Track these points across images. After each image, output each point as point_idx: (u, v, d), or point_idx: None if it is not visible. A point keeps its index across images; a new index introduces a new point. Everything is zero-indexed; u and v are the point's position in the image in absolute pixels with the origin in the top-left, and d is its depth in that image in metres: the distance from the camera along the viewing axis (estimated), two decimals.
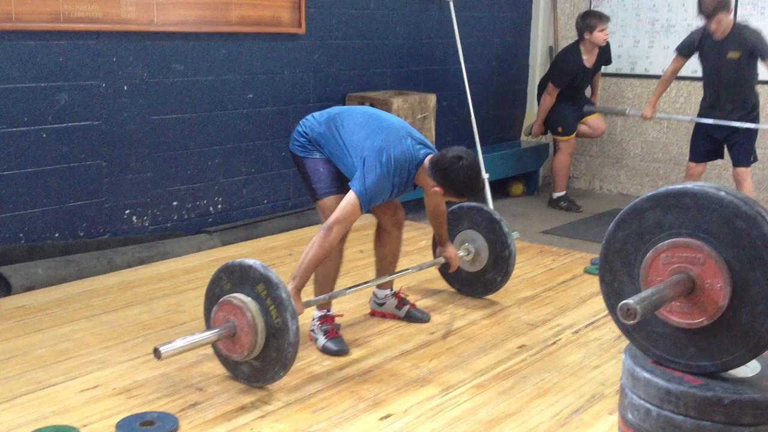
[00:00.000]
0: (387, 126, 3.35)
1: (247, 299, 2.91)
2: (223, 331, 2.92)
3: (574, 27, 6.35)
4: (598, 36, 6.16)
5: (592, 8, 6.85)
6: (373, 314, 3.79)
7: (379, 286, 3.76)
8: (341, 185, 3.36)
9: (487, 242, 3.95)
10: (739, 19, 6.30)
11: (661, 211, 2.23)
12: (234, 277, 2.99)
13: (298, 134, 3.48)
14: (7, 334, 3.48)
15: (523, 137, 7.11)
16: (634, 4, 6.63)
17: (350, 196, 3.19)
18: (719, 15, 5.06)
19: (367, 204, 3.22)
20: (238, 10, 4.95)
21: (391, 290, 3.76)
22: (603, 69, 6.59)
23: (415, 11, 6.16)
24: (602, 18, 6.18)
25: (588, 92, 6.62)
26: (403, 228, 3.68)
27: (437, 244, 3.87)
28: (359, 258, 4.53)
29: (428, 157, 3.31)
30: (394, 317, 3.75)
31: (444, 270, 4.06)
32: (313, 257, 3.16)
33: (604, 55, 6.39)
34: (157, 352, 2.75)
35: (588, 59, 6.26)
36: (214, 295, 3.05)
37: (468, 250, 3.97)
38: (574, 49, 6.32)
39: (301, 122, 3.52)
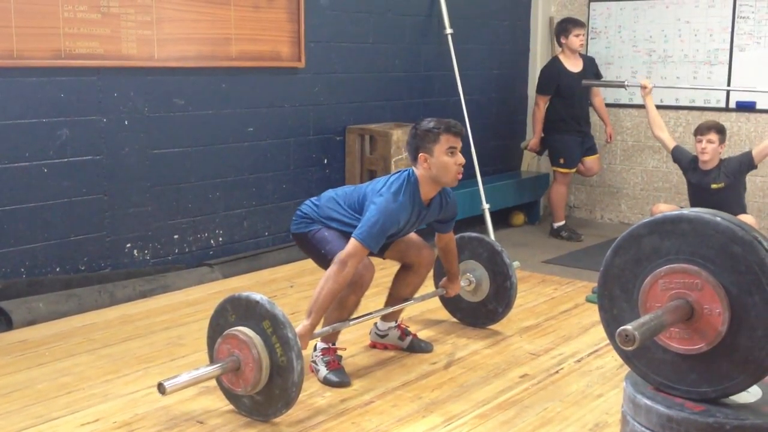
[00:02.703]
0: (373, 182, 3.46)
1: (253, 334, 2.89)
2: (227, 365, 2.91)
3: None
4: (573, 40, 6.27)
5: (589, 39, 6.92)
6: (374, 346, 3.78)
7: (383, 319, 3.75)
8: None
9: (488, 273, 3.96)
10: (736, 48, 6.36)
11: (658, 237, 2.24)
12: (240, 310, 2.98)
13: (297, 216, 3.53)
14: (8, 368, 3.47)
15: (522, 146, 7.10)
16: (630, 36, 6.68)
17: (352, 242, 3.21)
18: (709, 135, 5.03)
19: (373, 237, 3.20)
20: (238, 45, 5.00)
21: (395, 322, 3.76)
22: (602, 95, 6.64)
23: (414, 44, 6.21)
24: (577, 23, 6.31)
25: (588, 117, 6.64)
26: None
27: (442, 275, 3.88)
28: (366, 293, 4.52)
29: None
30: (396, 348, 3.74)
31: (446, 300, 4.06)
32: (328, 292, 3.15)
33: (589, 65, 6.46)
34: (161, 387, 2.74)
35: (570, 64, 6.33)
36: (218, 325, 3.05)
37: (469, 280, 3.97)
38: (553, 59, 6.50)
39: (297, 210, 3.57)
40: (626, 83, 6.22)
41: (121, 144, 4.56)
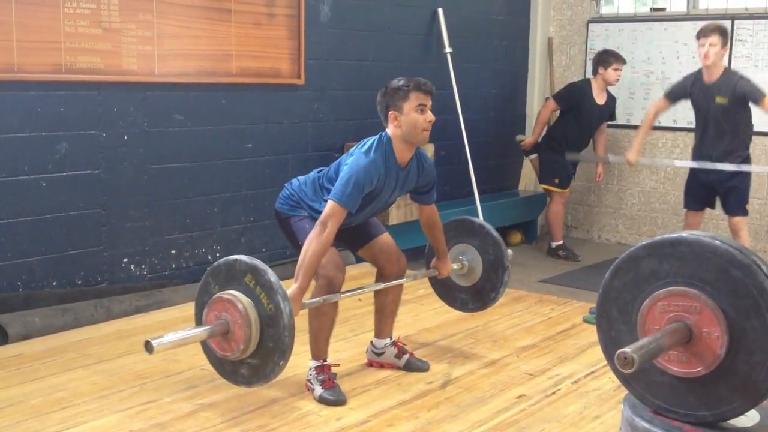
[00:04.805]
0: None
1: (236, 292, 2.89)
2: (216, 328, 2.88)
3: (576, 71, 6.43)
4: (611, 74, 6.26)
5: (587, 60, 6.95)
6: (370, 365, 3.77)
7: (377, 336, 3.74)
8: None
9: (480, 256, 3.89)
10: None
11: (656, 260, 2.25)
12: (220, 278, 2.98)
13: (285, 194, 3.54)
14: (3, 383, 3.46)
15: (517, 138, 7.09)
16: (628, 57, 6.70)
17: (328, 203, 3.22)
18: (711, 38, 5.05)
19: (348, 195, 3.19)
20: (238, 61, 5.02)
21: (391, 339, 3.75)
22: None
23: (413, 62, 6.23)
24: (619, 58, 6.30)
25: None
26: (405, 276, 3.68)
27: (433, 256, 3.83)
28: (358, 306, 4.52)
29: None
30: (393, 367, 3.73)
31: (436, 284, 4.02)
32: (312, 254, 3.14)
33: (611, 104, 6.47)
34: (148, 345, 2.71)
35: (596, 93, 6.34)
36: (203, 302, 3.03)
37: (461, 264, 3.91)
38: (586, 80, 6.48)
39: (286, 185, 3.57)
40: (610, 159, 6.34)
41: (120, 158, 4.56)
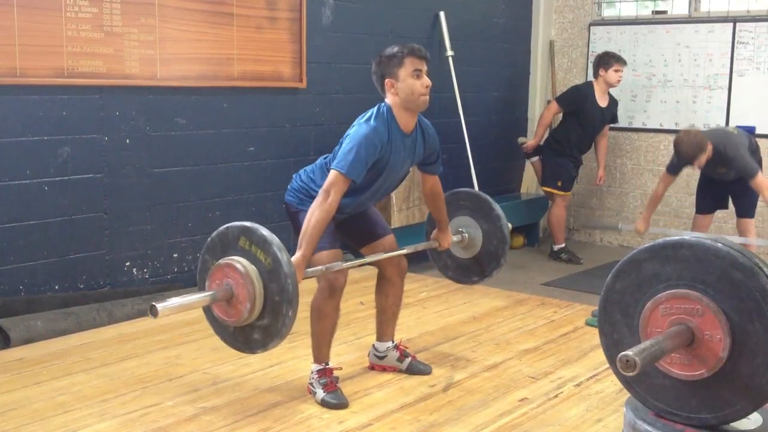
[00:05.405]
0: None
1: (233, 256, 2.90)
2: (219, 293, 2.88)
3: (578, 74, 6.43)
4: (612, 75, 6.26)
5: (589, 63, 6.95)
6: (372, 368, 3.77)
7: (379, 339, 3.74)
8: (334, 240, 3.38)
9: (480, 228, 3.87)
10: (735, 74, 6.39)
11: (659, 263, 2.24)
12: (216, 250, 2.99)
13: (294, 186, 3.52)
14: (5, 386, 3.46)
15: (519, 140, 7.09)
16: (630, 60, 6.71)
17: (331, 173, 3.20)
18: (699, 157, 5.14)
19: (350, 163, 3.17)
20: (240, 65, 5.02)
21: (393, 342, 3.74)
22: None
23: None
24: (620, 60, 6.29)
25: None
26: (405, 278, 3.68)
27: (433, 227, 3.79)
28: (359, 310, 4.52)
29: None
30: (395, 370, 3.72)
31: (436, 256, 3.99)
32: (316, 221, 3.12)
33: (613, 106, 6.48)
34: (153, 309, 2.71)
35: (599, 96, 6.35)
36: (203, 279, 3.03)
37: (461, 236, 3.88)
38: (588, 83, 6.48)
39: (295, 177, 3.56)
40: (620, 227, 6.35)
41: (122, 162, 4.57)
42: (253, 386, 3.51)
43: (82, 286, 4.44)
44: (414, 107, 3.34)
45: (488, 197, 3.94)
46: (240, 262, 2.87)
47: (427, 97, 3.33)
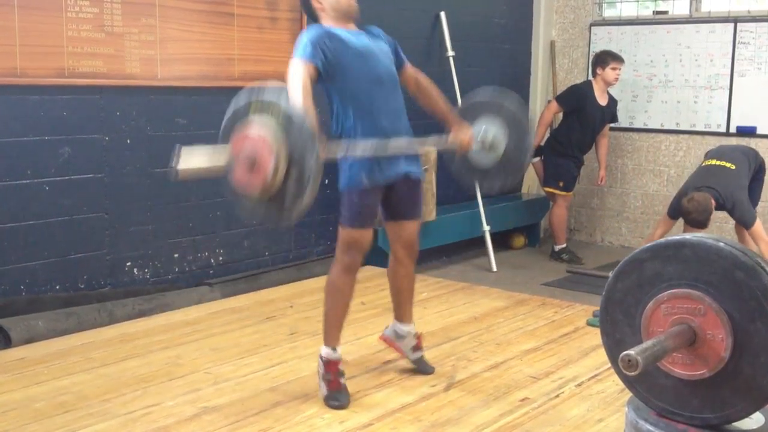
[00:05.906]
0: None
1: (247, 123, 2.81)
2: (241, 160, 2.77)
3: (579, 74, 6.44)
4: (610, 73, 6.28)
5: (590, 63, 6.95)
6: (384, 341, 3.72)
7: (400, 320, 3.65)
8: (367, 220, 3.34)
9: (503, 129, 3.56)
10: (736, 74, 6.39)
11: (660, 262, 2.24)
12: (230, 132, 2.91)
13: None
14: (6, 386, 3.46)
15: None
16: (631, 60, 6.72)
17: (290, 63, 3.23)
18: (708, 221, 5.29)
19: (302, 47, 3.24)
20: (240, 65, 5.02)
21: (415, 330, 3.69)
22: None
23: (415, 65, 6.21)
24: (617, 57, 6.32)
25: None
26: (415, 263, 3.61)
27: (446, 129, 3.55)
28: (361, 309, 4.52)
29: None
30: (402, 356, 3.70)
31: (458, 161, 3.68)
32: (290, 83, 3.13)
33: (613, 105, 6.49)
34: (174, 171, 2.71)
35: (599, 97, 6.36)
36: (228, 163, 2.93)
37: (483, 141, 3.55)
38: (587, 82, 6.50)
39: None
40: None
41: (123, 163, 4.56)
42: (253, 386, 3.51)
43: (83, 286, 4.44)
44: (345, 13, 3.33)
45: (505, 95, 3.68)
46: (254, 123, 2.76)
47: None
